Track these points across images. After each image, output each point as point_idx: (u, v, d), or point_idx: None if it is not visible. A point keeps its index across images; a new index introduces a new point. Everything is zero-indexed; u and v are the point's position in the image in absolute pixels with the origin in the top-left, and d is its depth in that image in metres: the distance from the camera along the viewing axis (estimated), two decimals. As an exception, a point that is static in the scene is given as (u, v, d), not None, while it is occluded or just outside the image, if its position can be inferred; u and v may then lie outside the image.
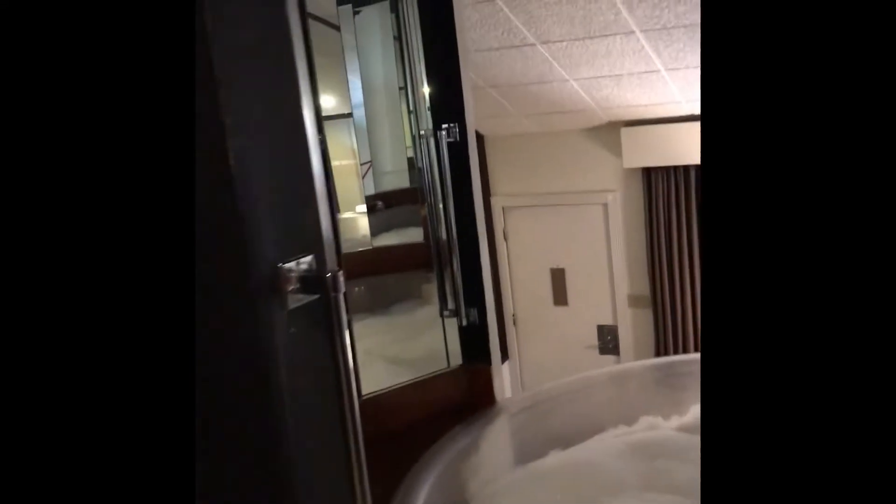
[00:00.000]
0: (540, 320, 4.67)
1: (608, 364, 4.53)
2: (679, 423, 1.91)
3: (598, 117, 4.00)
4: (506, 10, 2.75)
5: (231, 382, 0.82)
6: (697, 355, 2.49)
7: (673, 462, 1.75)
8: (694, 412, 1.92)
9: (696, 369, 2.17)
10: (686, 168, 3.90)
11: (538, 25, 2.88)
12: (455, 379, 1.88)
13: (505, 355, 4.79)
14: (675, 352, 4.15)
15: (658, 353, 4.23)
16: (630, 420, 1.92)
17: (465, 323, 1.85)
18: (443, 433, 1.80)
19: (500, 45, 3.08)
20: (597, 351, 4.54)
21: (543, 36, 2.96)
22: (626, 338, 4.41)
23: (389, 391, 1.81)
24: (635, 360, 4.42)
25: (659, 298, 4.14)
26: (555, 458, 1.87)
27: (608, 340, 4.49)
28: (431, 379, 1.85)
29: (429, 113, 1.87)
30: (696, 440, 1.84)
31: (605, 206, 4.28)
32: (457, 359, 1.93)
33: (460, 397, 1.89)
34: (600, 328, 4.51)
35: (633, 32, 2.87)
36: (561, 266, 4.52)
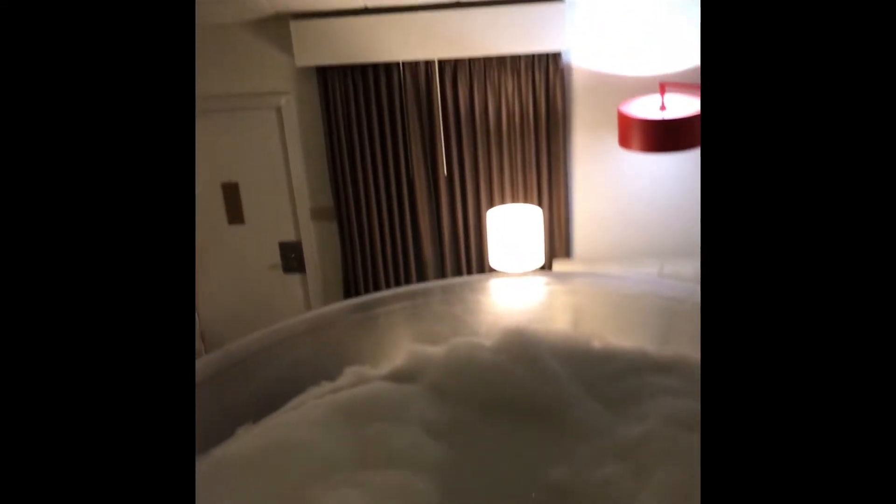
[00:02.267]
0: (213, 242, 4.14)
1: (294, 284, 4.21)
2: (390, 368, 1.63)
3: (262, 8, 3.47)
4: None
5: None
6: (394, 290, 2.27)
7: (388, 426, 1.47)
8: (404, 355, 1.66)
9: (398, 307, 1.90)
10: (364, 67, 3.58)
11: None
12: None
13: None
14: (364, 265, 3.95)
15: (346, 268, 4.00)
16: (333, 374, 1.60)
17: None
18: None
19: None
20: (280, 270, 4.18)
21: None
22: (311, 254, 4.11)
23: None
24: (324, 280, 4.15)
25: (344, 210, 3.87)
26: (244, 439, 1.49)
27: (292, 258, 4.15)
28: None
29: None
30: (408, 391, 1.55)
31: (279, 110, 3.82)
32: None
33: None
34: (283, 245, 4.14)
35: None
36: (233, 180, 4.01)
